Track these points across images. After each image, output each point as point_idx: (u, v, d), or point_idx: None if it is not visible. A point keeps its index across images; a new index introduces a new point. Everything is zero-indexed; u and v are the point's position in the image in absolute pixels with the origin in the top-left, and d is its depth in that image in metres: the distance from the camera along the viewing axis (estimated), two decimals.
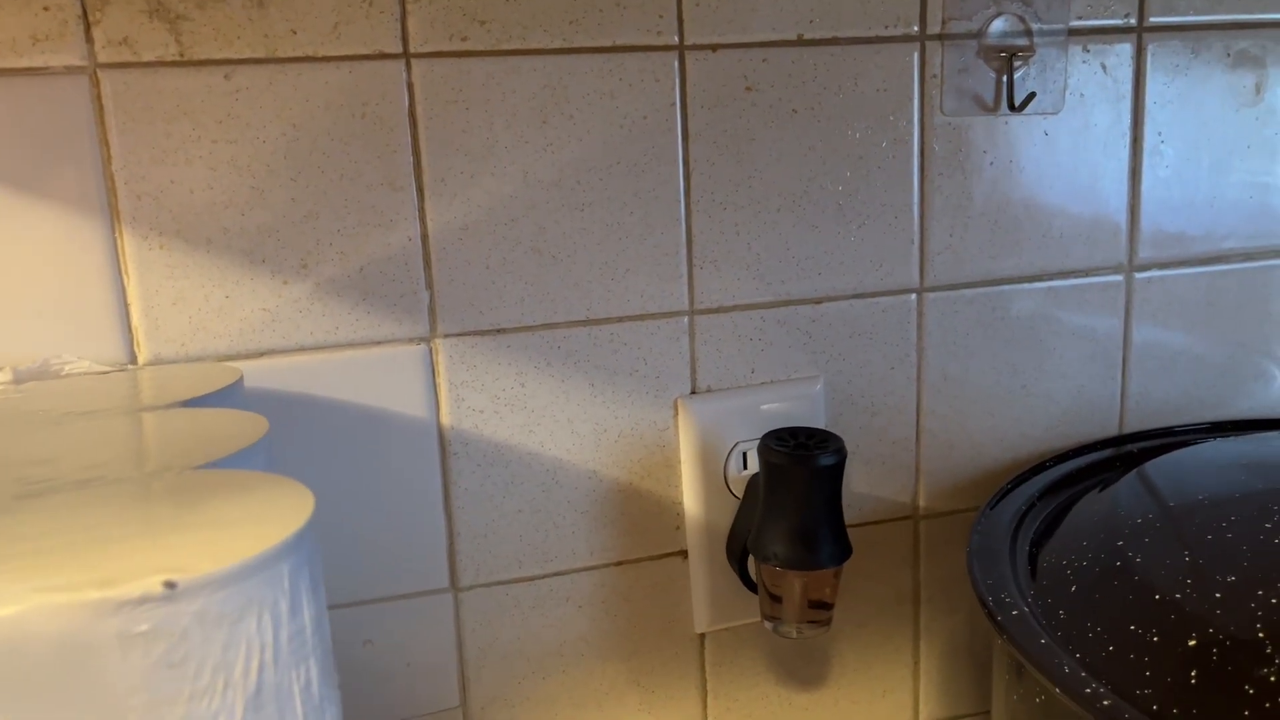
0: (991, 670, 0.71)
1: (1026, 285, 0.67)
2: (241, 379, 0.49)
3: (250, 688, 0.29)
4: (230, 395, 0.48)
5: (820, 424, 0.64)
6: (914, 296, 0.65)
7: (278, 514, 0.31)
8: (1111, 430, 0.70)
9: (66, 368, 0.51)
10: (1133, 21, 0.65)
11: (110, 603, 0.26)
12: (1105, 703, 0.40)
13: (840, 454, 0.56)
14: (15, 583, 0.26)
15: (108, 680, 0.27)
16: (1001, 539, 0.56)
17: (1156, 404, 0.71)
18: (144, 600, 0.27)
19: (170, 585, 0.27)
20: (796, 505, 0.57)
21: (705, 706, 0.67)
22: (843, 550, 0.58)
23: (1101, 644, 0.46)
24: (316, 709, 0.31)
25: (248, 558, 0.28)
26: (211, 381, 0.48)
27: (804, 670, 0.68)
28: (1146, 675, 0.43)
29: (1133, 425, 0.71)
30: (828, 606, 0.59)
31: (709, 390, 0.63)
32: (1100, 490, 0.60)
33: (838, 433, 0.61)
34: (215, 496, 0.33)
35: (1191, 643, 0.43)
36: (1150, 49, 0.66)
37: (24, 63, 0.50)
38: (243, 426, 0.40)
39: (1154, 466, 0.61)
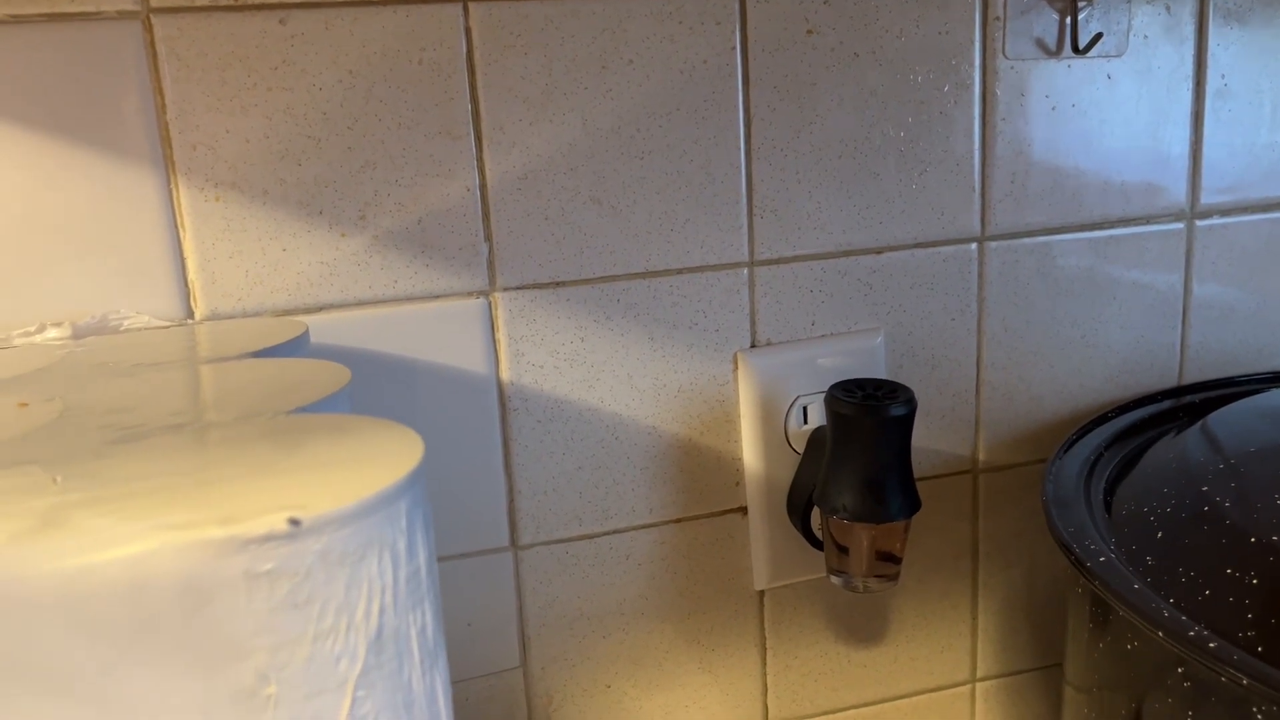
0: (1053, 624, 0.70)
1: (1087, 234, 0.65)
2: (307, 332, 0.48)
3: (372, 630, 0.28)
4: (296, 348, 0.47)
5: (881, 377, 0.63)
6: (975, 245, 0.63)
7: (386, 454, 0.30)
8: (1171, 381, 0.69)
9: (125, 323, 0.50)
10: None
11: (235, 540, 0.25)
12: (1212, 645, 0.39)
13: (911, 405, 0.55)
14: (135, 521, 0.25)
15: (233, 621, 0.25)
16: (1074, 488, 0.55)
17: (1216, 354, 0.70)
18: (269, 538, 0.25)
19: (295, 523, 0.26)
20: (865, 457, 0.56)
21: (764, 664, 0.66)
22: (912, 503, 0.57)
23: (1196, 588, 0.45)
24: (431, 654, 0.30)
25: (368, 495, 0.27)
26: (277, 334, 0.47)
27: (863, 627, 0.67)
28: (1248, 618, 0.42)
29: (1192, 375, 0.70)
30: (896, 560, 0.58)
31: (769, 343, 0.61)
32: (1170, 439, 0.59)
33: None
34: (317, 439, 0.32)
35: None
36: None
37: (76, 7, 0.48)
38: (324, 374, 0.39)
39: (1223, 414, 0.59)
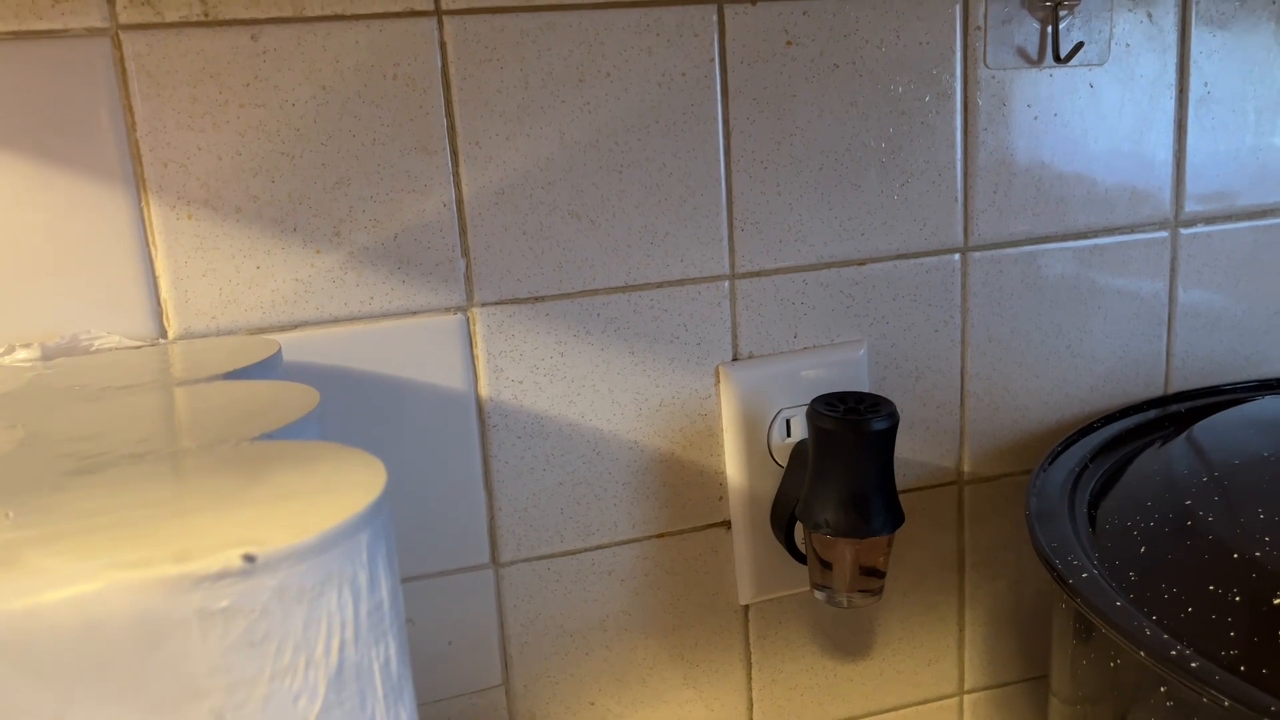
0: (1040, 636, 0.70)
1: (1071, 243, 0.65)
2: (280, 351, 0.47)
3: (332, 667, 0.27)
4: (269, 368, 0.46)
5: (864, 389, 0.62)
6: (958, 256, 0.63)
7: (349, 484, 0.30)
8: (1157, 390, 0.69)
9: (96, 343, 0.49)
10: None
11: (189, 578, 0.24)
12: (1194, 664, 0.39)
13: (893, 418, 0.55)
14: (88, 559, 0.25)
15: (188, 660, 0.25)
16: (1058, 501, 0.55)
17: (1202, 362, 0.70)
18: (223, 575, 0.25)
19: (249, 559, 0.25)
20: (848, 471, 0.55)
21: (750, 679, 0.65)
22: (895, 517, 0.56)
23: (1179, 605, 0.44)
24: (395, 688, 0.30)
25: (326, 529, 0.27)
26: (249, 354, 0.46)
27: (849, 641, 0.67)
28: (1231, 636, 0.41)
29: (1178, 384, 0.69)
30: (880, 574, 0.58)
31: (751, 357, 0.61)
32: (1155, 450, 0.59)
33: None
34: (280, 467, 0.31)
35: (1277, 601, 0.42)
36: None
37: (43, 25, 0.47)
38: (293, 397, 0.38)
39: (1209, 424, 0.59)
